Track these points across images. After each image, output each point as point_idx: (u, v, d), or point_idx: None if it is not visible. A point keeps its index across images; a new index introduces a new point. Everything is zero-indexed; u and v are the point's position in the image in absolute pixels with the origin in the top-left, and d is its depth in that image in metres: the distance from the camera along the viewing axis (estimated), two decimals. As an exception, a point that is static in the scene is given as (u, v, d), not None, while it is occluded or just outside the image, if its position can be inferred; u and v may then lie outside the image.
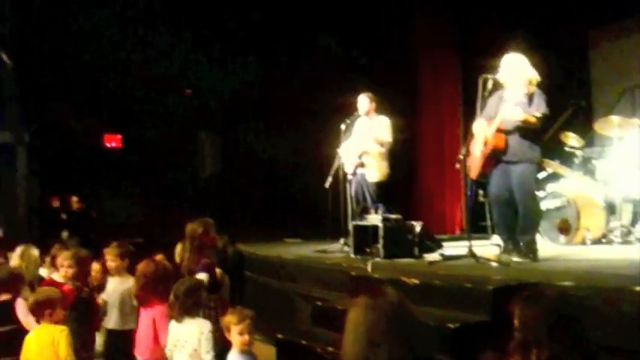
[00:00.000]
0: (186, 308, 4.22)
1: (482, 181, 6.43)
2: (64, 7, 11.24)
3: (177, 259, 5.69)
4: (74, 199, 11.15)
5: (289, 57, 11.37)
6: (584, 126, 8.10)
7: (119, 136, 11.95)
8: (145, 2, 11.57)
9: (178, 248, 5.81)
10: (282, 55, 11.40)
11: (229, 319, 3.98)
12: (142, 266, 4.74)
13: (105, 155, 11.82)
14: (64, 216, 11.09)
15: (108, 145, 11.94)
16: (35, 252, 6.34)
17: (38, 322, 4.47)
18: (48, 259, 6.45)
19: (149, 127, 11.44)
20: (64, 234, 10.52)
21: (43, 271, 6.28)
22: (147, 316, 4.61)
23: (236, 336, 3.95)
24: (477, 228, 8.79)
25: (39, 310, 4.42)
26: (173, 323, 4.29)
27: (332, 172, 7.66)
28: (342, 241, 7.40)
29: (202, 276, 5.06)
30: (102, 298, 5.37)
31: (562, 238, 7.32)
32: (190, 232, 5.42)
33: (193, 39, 11.73)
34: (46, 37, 11.23)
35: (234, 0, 11.35)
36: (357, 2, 10.79)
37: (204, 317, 4.41)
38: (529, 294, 2.92)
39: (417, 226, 6.53)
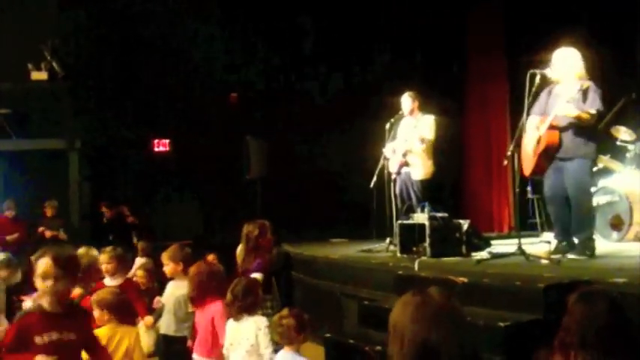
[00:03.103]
0: (245, 307, 4.27)
1: (533, 179, 6.31)
2: (113, 18, 11.51)
3: (239, 259, 5.80)
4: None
5: (337, 61, 11.41)
6: (635, 119, 7.88)
7: (167, 141, 12.14)
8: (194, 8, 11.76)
9: (239, 249, 5.91)
10: (328, 59, 11.45)
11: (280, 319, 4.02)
12: (194, 268, 4.80)
13: (153, 160, 12.02)
14: (104, 221, 11.13)
15: (156, 149, 12.14)
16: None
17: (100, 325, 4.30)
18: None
19: (196, 131, 11.60)
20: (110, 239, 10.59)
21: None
22: (204, 317, 4.63)
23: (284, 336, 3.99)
24: (525, 225, 8.65)
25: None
26: (231, 322, 4.33)
27: (377, 171, 7.64)
28: (388, 240, 7.37)
29: (257, 275, 5.19)
30: (160, 300, 5.37)
31: (614, 234, 7.15)
32: (246, 233, 5.57)
33: (241, 44, 11.86)
34: (97, 47, 11.50)
35: (283, 5, 11.43)
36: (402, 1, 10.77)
37: (261, 315, 4.43)
38: (581, 293, 2.69)
39: (465, 225, 6.46)
